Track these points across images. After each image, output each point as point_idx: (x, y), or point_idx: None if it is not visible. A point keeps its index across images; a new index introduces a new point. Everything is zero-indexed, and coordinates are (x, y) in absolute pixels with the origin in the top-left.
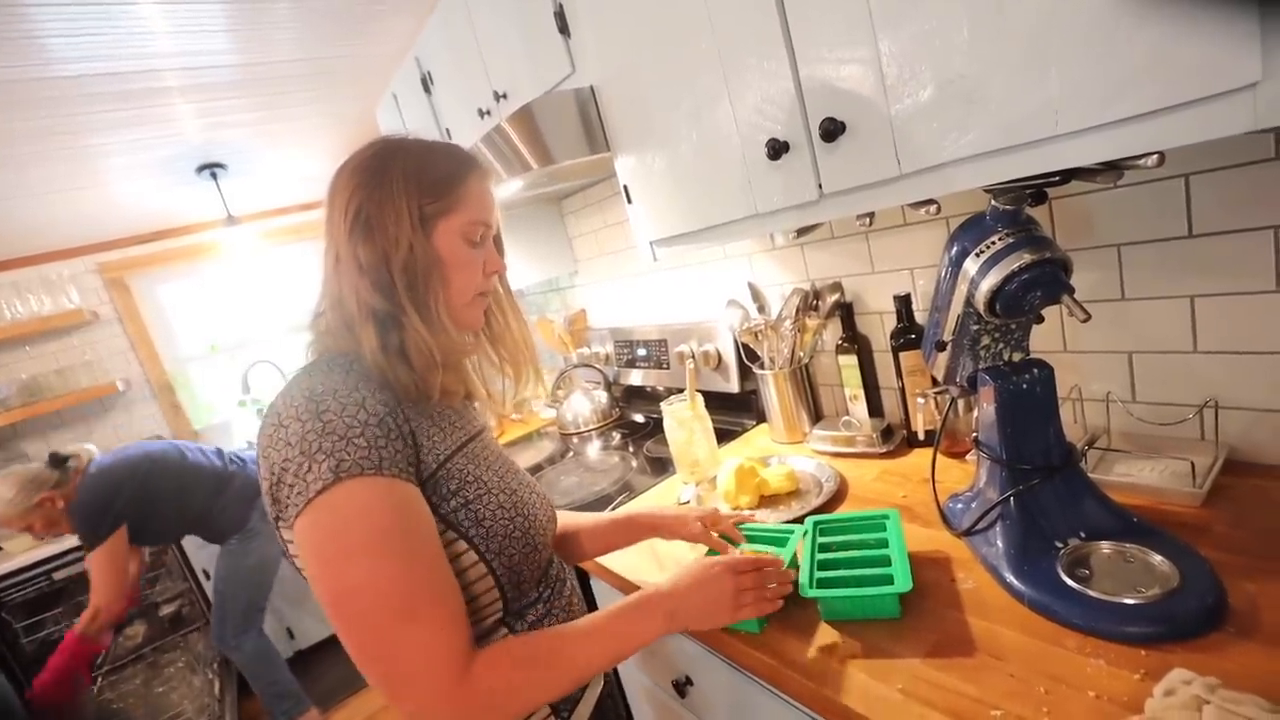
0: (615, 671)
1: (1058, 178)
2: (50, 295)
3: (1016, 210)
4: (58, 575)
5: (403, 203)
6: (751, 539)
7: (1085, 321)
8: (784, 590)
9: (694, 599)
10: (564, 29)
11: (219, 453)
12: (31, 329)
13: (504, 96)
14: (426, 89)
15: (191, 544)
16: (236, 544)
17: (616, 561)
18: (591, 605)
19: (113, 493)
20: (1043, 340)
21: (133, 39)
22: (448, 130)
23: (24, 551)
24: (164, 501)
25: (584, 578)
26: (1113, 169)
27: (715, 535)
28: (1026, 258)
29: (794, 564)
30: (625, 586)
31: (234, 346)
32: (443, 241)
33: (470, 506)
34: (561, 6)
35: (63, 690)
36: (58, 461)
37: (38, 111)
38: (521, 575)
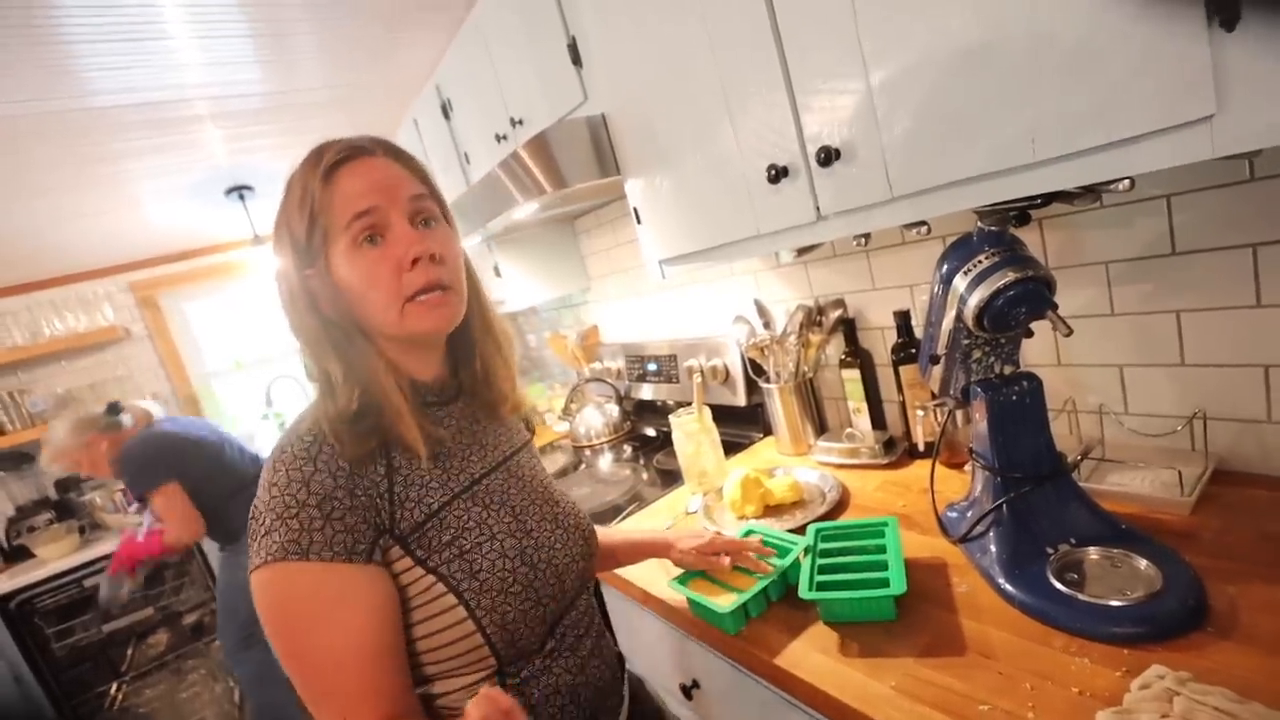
0: (638, 683)
1: (1039, 200)
2: (86, 313)
3: (1001, 231)
4: (87, 583)
5: (284, 273)
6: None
7: (1068, 336)
8: None
9: None
10: (577, 60)
11: (255, 459)
12: (68, 345)
13: (520, 123)
14: (446, 115)
15: (213, 552)
16: (231, 554)
17: (625, 569)
18: (603, 611)
19: (156, 459)
20: (1037, 354)
21: (168, 71)
22: (465, 154)
23: (58, 559)
24: (192, 483)
25: (596, 589)
26: (1090, 192)
27: (711, 558)
28: (1011, 275)
29: (798, 573)
30: (632, 591)
31: (257, 362)
32: (340, 268)
33: (466, 556)
34: (574, 39)
35: (140, 550)
36: (113, 409)
37: (78, 139)
38: (517, 633)
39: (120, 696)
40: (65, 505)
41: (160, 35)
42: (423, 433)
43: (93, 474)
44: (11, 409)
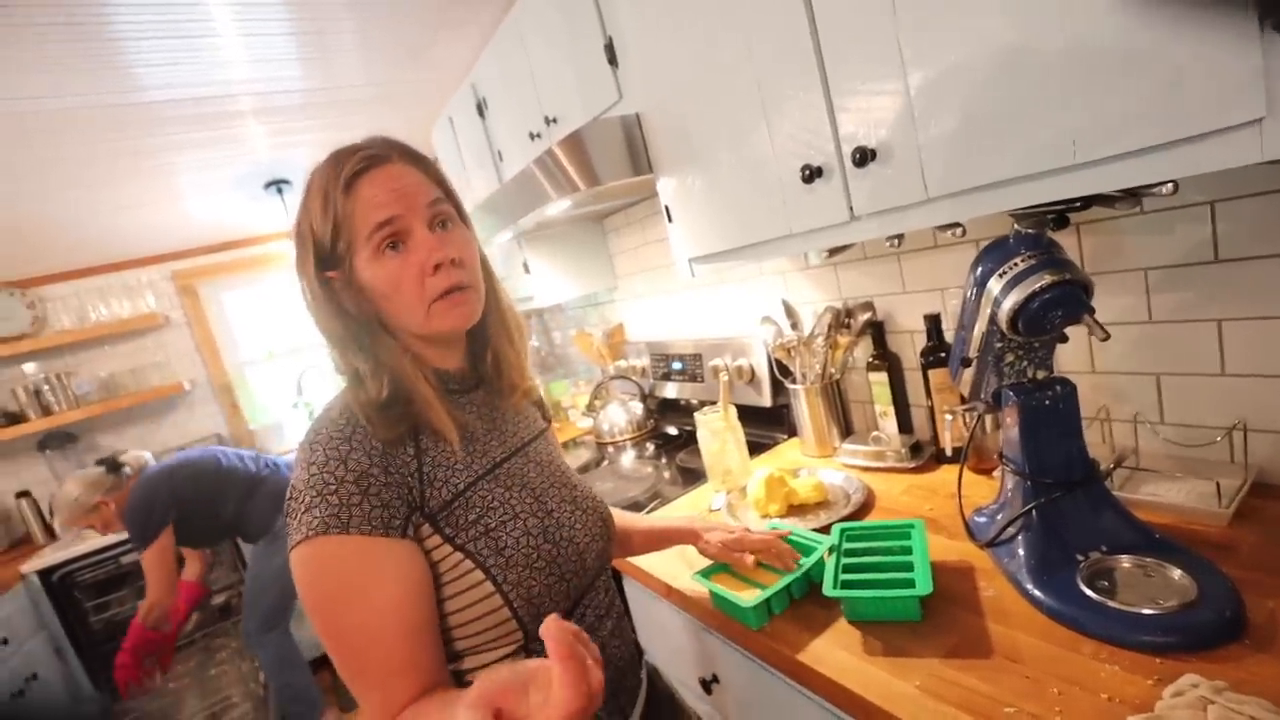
0: (654, 670)
1: (1078, 203)
2: (130, 299)
3: (1039, 234)
4: (125, 560)
5: (307, 278)
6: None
7: (1105, 340)
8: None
9: None
10: (613, 60)
11: (255, 458)
12: (112, 330)
13: (554, 121)
14: (481, 113)
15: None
16: (264, 546)
17: (647, 561)
18: (624, 603)
19: (153, 499)
20: (1071, 361)
21: (212, 68)
22: (499, 152)
23: (97, 536)
24: (200, 505)
25: (617, 578)
26: (1131, 196)
27: (736, 555)
28: (1048, 278)
29: (822, 572)
30: (653, 584)
31: (289, 352)
32: (365, 273)
33: (492, 534)
34: (611, 39)
35: (132, 670)
36: (114, 467)
37: (125, 133)
38: (543, 607)
39: (161, 678)
40: None
41: (206, 33)
42: (452, 419)
43: (107, 532)
44: (58, 390)
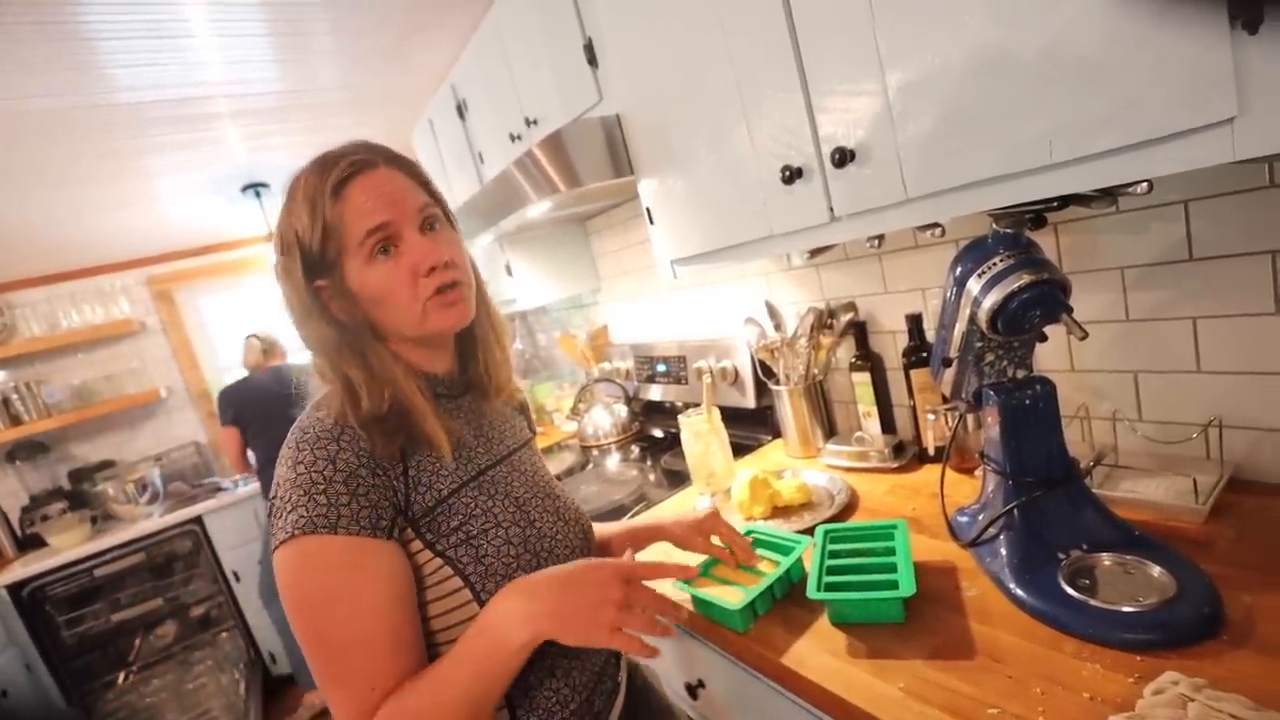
0: (642, 678)
1: (1055, 203)
2: (103, 305)
3: (1017, 233)
4: (98, 572)
5: (294, 286)
6: (759, 544)
7: (1083, 339)
8: (668, 625)
9: (557, 606)
10: (593, 60)
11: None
12: (85, 337)
13: (534, 122)
14: (461, 115)
15: (222, 546)
16: None
17: None
18: None
19: (227, 403)
20: (1050, 359)
21: (189, 69)
22: (480, 154)
23: (69, 548)
24: (251, 433)
25: None
26: (1107, 195)
27: (717, 543)
28: (1026, 278)
29: (801, 571)
30: None
31: None
32: (355, 279)
33: (473, 541)
34: (591, 40)
35: None
36: (268, 352)
37: (100, 135)
38: None
39: (127, 686)
40: (78, 495)
41: (183, 34)
42: (445, 429)
43: None
44: (28, 399)
